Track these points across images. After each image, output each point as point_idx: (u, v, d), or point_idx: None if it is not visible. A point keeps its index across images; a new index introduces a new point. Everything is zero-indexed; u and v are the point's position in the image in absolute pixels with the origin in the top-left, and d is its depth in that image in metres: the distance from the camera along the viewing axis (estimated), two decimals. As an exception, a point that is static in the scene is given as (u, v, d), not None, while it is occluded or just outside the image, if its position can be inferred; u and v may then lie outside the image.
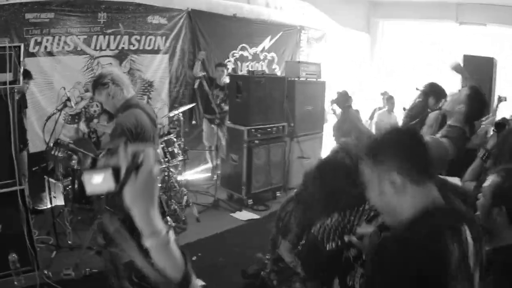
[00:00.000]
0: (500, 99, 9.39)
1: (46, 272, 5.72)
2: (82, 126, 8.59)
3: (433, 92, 7.80)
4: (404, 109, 9.32)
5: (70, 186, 7.14)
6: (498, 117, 8.34)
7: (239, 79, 9.42)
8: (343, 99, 11.01)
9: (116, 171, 1.54)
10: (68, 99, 6.46)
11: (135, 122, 4.72)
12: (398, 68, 15.38)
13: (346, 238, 2.89)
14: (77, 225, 7.04)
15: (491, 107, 8.97)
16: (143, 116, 4.89)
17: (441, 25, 14.84)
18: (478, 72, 9.30)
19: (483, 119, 7.71)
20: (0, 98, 5.35)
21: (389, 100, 11.69)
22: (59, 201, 7.31)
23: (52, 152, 6.33)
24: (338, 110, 11.35)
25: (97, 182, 1.82)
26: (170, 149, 8.01)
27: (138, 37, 9.36)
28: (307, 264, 3.33)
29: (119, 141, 4.49)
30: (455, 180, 3.90)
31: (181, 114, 8.78)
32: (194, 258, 6.70)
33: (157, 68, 9.84)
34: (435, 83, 7.97)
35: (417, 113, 7.70)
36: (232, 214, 8.88)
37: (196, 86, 10.26)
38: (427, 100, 7.77)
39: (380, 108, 12.52)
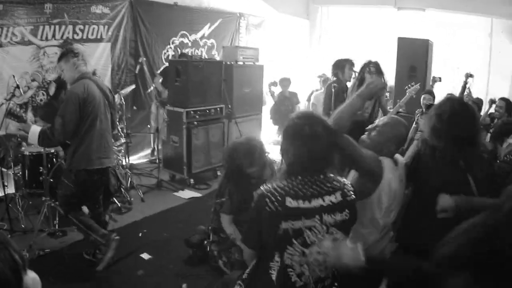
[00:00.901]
0: (435, 80, 9.97)
1: None
2: (30, 115, 8.77)
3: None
4: None
5: (20, 173, 7.30)
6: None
7: (178, 64, 9.74)
8: (284, 83, 11.76)
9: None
10: (17, 87, 6.70)
11: (83, 89, 5.37)
12: (337, 53, 15.81)
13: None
14: (28, 210, 7.29)
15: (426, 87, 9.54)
16: (92, 85, 5.55)
17: (380, 11, 15.22)
18: (413, 54, 9.80)
19: (408, 86, 8.45)
20: None
21: (325, 82, 11.85)
22: (10, 189, 7.48)
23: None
24: (276, 92, 12.01)
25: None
26: (113, 132, 7.91)
27: (82, 27, 9.52)
28: (247, 233, 3.31)
29: (67, 105, 5.26)
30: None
31: (122, 99, 8.99)
32: (140, 234, 7.11)
33: (100, 56, 10.04)
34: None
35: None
36: (175, 193, 9.24)
37: (137, 71, 10.61)
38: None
39: (317, 90, 13.08)
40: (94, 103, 5.51)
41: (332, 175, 3.09)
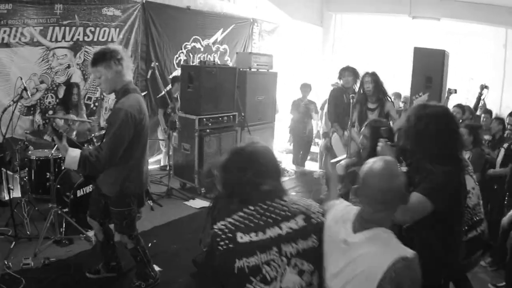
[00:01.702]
0: (450, 92, 9.83)
1: (6, 262, 5.75)
2: (38, 117, 8.67)
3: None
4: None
5: (27, 177, 7.19)
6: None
7: (191, 70, 9.59)
8: (305, 89, 11.65)
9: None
10: (25, 89, 6.51)
11: (139, 108, 4.61)
12: (351, 61, 15.68)
13: None
14: (34, 216, 7.10)
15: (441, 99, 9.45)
16: (142, 102, 4.81)
17: (395, 19, 15.16)
18: (429, 64, 9.64)
19: (416, 96, 8.35)
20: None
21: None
22: (16, 193, 7.36)
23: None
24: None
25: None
26: None
27: (93, 29, 9.43)
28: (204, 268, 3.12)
29: (123, 127, 4.44)
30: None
31: None
32: (149, 245, 6.83)
33: None
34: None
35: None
36: (185, 203, 9.08)
37: (148, 76, 10.44)
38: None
39: None
40: (147, 124, 4.86)
41: (290, 197, 2.76)
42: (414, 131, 3.60)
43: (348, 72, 9.06)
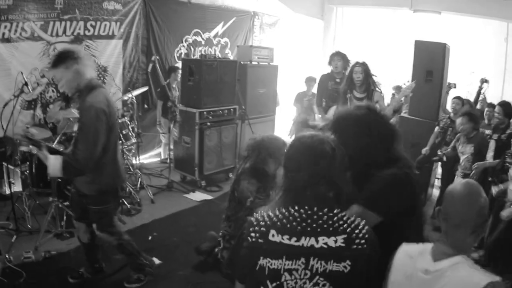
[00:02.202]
0: (450, 86, 9.83)
1: (7, 256, 5.75)
2: (38, 112, 8.66)
3: None
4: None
5: (27, 171, 7.19)
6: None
7: (192, 63, 9.63)
8: (310, 83, 11.73)
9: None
10: (26, 84, 6.51)
11: (106, 102, 4.56)
12: (352, 54, 15.67)
13: None
14: (35, 209, 7.14)
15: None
16: (108, 95, 4.80)
17: (396, 13, 15.06)
18: (430, 58, 9.61)
19: (404, 83, 8.41)
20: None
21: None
22: (17, 187, 7.37)
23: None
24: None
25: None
26: (124, 132, 8.12)
27: (94, 23, 9.45)
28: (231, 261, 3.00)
29: (97, 124, 4.39)
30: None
31: (134, 98, 8.95)
32: (149, 238, 6.95)
33: (111, 54, 9.97)
34: None
35: None
36: (185, 195, 9.11)
37: (149, 69, 10.33)
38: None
39: None
40: (116, 117, 4.81)
41: (343, 213, 2.47)
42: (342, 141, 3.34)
43: (338, 57, 9.07)
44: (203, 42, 12.25)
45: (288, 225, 2.39)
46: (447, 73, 9.79)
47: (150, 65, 10.09)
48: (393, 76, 13.76)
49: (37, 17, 8.54)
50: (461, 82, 12.03)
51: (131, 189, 8.30)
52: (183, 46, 11.69)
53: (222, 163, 9.99)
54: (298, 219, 2.39)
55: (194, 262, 6.12)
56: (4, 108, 6.47)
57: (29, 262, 5.83)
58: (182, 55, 11.47)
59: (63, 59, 4.50)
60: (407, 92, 8.14)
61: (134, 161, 9.18)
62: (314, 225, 2.38)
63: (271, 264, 2.38)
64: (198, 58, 10.34)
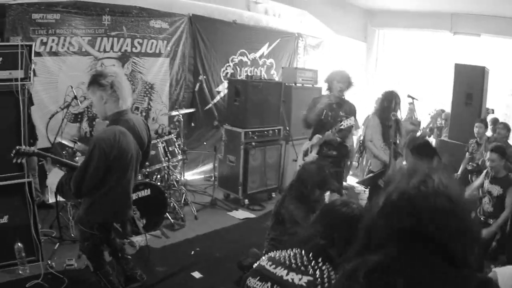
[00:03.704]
0: (488, 112, 9.59)
1: (49, 262, 5.84)
2: (85, 125, 8.69)
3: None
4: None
5: None
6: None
7: (238, 83, 9.57)
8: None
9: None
10: (75, 97, 6.50)
11: (113, 143, 4.26)
12: (393, 76, 15.53)
13: None
14: None
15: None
16: (126, 137, 4.42)
17: (436, 35, 14.98)
18: (469, 81, 9.42)
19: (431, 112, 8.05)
20: (11, 94, 5.41)
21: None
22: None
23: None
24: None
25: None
26: (170, 148, 8.13)
27: (141, 40, 9.43)
28: None
29: (90, 160, 4.16)
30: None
31: (181, 116, 8.86)
32: (192, 252, 6.91)
33: (158, 71, 9.93)
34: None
35: None
36: (229, 213, 9.02)
37: (196, 88, 10.34)
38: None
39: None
40: (126, 160, 4.48)
41: (326, 265, 2.66)
42: None
43: (339, 77, 7.76)
44: (249, 63, 12.11)
45: (280, 258, 2.75)
46: (486, 96, 9.61)
47: (198, 85, 10.09)
48: (434, 98, 13.65)
49: (85, 33, 8.56)
50: (500, 105, 11.82)
51: (175, 204, 8.30)
52: (229, 66, 11.57)
53: (265, 182, 9.82)
54: (288, 256, 2.74)
55: (236, 278, 6.00)
56: (50, 119, 6.43)
57: (71, 270, 5.90)
58: (228, 75, 11.35)
59: (91, 81, 4.42)
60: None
61: (179, 177, 9.12)
62: (293, 262, 2.68)
63: (249, 282, 2.76)
64: (244, 78, 10.27)
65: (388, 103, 7.82)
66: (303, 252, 2.69)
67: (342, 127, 7.16)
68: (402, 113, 8.60)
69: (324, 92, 8.25)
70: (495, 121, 9.83)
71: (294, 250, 2.72)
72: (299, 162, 8.15)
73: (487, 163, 6.76)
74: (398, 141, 7.91)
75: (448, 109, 11.18)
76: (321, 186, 5.15)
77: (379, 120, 7.93)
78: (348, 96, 7.78)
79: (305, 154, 7.93)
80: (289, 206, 5.23)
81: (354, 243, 2.20)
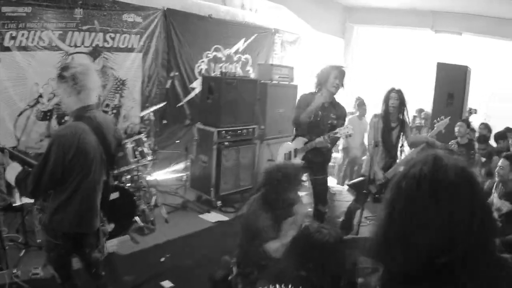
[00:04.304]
0: (471, 112, 9.67)
1: (15, 271, 5.63)
2: (54, 123, 8.48)
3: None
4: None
5: None
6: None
7: (211, 80, 9.51)
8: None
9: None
10: (40, 96, 6.46)
11: (72, 140, 4.02)
12: (371, 74, 15.60)
13: None
14: None
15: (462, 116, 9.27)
16: (88, 136, 4.17)
17: (417, 33, 15.20)
18: (451, 81, 9.49)
19: (436, 120, 8.01)
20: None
21: (361, 105, 11.75)
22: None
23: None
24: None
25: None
26: (140, 148, 7.91)
27: (113, 35, 9.36)
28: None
29: (46, 157, 3.95)
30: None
31: (151, 114, 8.80)
32: (162, 259, 6.80)
33: (130, 67, 9.84)
34: None
35: None
36: (200, 216, 8.91)
37: (168, 86, 10.24)
38: None
39: (351, 113, 12.42)
40: (87, 161, 4.23)
41: None
42: None
43: (336, 72, 7.26)
44: (223, 59, 12.09)
45: None
46: (468, 96, 9.70)
47: (169, 82, 10.00)
48: (413, 97, 13.72)
49: (56, 27, 8.42)
50: (480, 104, 11.94)
51: (145, 207, 8.10)
52: (204, 62, 11.54)
53: (238, 183, 9.75)
54: None
55: (208, 286, 5.83)
56: (19, 117, 6.50)
57: (37, 279, 5.70)
58: (203, 71, 11.37)
59: (57, 75, 4.18)
60: (441, 128, 7.77)
61: (149, 178, 8.92)
62: None
63: None
64: (218, 75, 10.25)
65: (383, 103, 7.69)
66: (282, 286, 2.59)
67: (337, 135, 6.93)
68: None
69: (303, 88, 8.14)
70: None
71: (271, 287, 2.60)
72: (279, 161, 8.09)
73: (496, 171, 6.71)
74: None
75: (427, 108, 11.26)
76: (288, 188, 4.96)
77: (381, 122, 7.62)
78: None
79: (288, 157, 7.78)
80: (252, 215, 5.11)
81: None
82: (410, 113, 12.37)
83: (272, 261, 4.70)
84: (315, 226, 3.01)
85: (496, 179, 6.71)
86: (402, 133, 7.66)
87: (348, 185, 9.77)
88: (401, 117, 7.62)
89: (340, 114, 7.33)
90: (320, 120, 7.13)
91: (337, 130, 6.91)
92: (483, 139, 8.68)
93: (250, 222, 5.04)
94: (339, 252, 2.84)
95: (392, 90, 7.56)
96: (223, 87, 9.19)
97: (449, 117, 8.01)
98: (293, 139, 7.59)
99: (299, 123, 7.23)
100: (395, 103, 7.47)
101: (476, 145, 8.66)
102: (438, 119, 7.98)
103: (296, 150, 7.50)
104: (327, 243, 2.80)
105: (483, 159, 8.44)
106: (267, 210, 4.98)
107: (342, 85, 7.25)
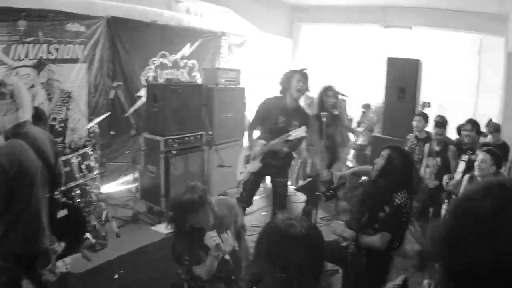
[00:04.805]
0: (424, 105, 9.88)
1: None
2: (1, 140, 8.36)
3: None
4: None
5: None
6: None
7: (156, 88, 9.58)
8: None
9: None
10: None
11: (13, 158, 4.01)
12: (321, 72, 15.73)
13: None
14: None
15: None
16: (28, 153, 4.16)
17: (367, 29, 15.44)
18: (402, 75, 9.67)
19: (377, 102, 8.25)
20: None
21: (311, 105, 11.87)
22: None
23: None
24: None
25: None
26: (86, 163, 7.82)
27: (57, 46, 9.29)
28: None
29: None
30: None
31: (96, 126, 8.74)
32: (115, 276, 6.78)
33: (75, 78, 9.76)
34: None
35: None
36: (152, 228, 8.88)
37: (111, 96, 10.07)
38: None
39: None
40: (31, 178, 4.22)
41: None
42: None
43: (298, 75, 7.40)
44: (170, 65, 12.11)
45: None
46: (420, 90, 9.88)
47: (112, 92, 9.88)
48: (365, 94, 13.94)
49: None
50: (434, 96, 12.20)
51: (95, 222, 8.04)
52: (150, 69, 11.55)
53: None
54: None
55: None
56: None
57: None
58: (150, 79, 11.40)
59: None
60: (379, 113, 8.04)
61: (98, 192, 8.82)
62: None
63: None
64: (163, 83, 10.37)
65: (319, 99, 8.13)
66: None
67: (290, 137, 6.99)
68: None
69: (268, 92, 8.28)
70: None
71: None
72: (239, 169, 8.12)
73: (476, 164, 6.76)
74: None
75: (378, 103, 11.47)
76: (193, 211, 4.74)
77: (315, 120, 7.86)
78: (276, 92, 7.56)
79: (247, 161, 7.89)
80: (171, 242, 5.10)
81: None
82: (358, 109, 12.71)
83: (236, 271, 4.80)
84: (283, 218, 2.67)
85: (476, 173, 6.78)
86: (339, 129, 7.98)
87: (295, 189, 9.95)
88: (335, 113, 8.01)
89: (303, 119, 7.39)
90: (284, 127, 7.22)
91: (290, 132, 6.99)
92: (441, 124, 8.82)
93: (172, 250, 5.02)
94: (317, 242, 2.59)
95: (329, 88, 8.03)
96: (168, 94, 9.20)
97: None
98: (251, 144, 7.75)
99: (259, 127, 7.60)
100: (332, 101, 7.77)
101: (434, 130, 8.80)
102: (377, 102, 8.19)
103: (254, 154, 7.62)
104: (303, 236, 2.52)
105: (437, 148, 8.60)
106: (183, 238, 4.91)
107: (307, 88, 7.39)
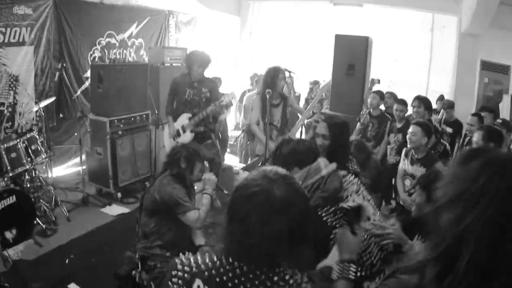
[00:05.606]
0: (373, 82, 10.21)
1: None
2: None
3: None
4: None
5: None
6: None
7: (100, 69, 9.63)
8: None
9: None
10: None
11: None
12: (270, 50, 16.00)
13: None
14: None
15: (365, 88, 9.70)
16: None
17: (315, 6, 15.48)
18: (351, 52, 9.86)
19: (324, 80, 8.60)
20: None
21: (258, 82, 11.79)
22: None
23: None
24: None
25: None
26: (33, 147, 7.94)
27: (4, 29, 9.22)
28: None
29: None
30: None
31: (42, 110, 8.76)
32: (67, 261, 6.87)
33: (22, 61, 9.71)
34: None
35: None
36: (102, 210, 9.08)
37: (56, 78, 10.30)
38: None
39: (249, 91, 12.94)
40: None
41: (285, 272, 2.14)
42: None
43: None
44: (117, 44, 12.18)
45: (217, 279, 2.10)
46: (370, 67, 10.06)
47: (57, 74, 10.17)
48: (314, 71, 14.09)
49: None
50: (384, 72, 12.49)
51: (45, 207, 8.16)
52: (97, 49, 11.58)
53: (137, 172, 10.04)
54: (230, 274, 2.10)
55: (113, 286, 5.82)
56: None
57: None
58: (96, 59, 11.42)
59: None
60: (324, 91, 8.39)
61: (46, 176, 9.05)
62: (248, 285, 2.07)
63: None
64: (107, 63, 10.50)
65: (271, 79, 8.07)
66: (252, 266, 2.10)
67: (223, 102, 7.71)
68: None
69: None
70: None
71: (225, 261, 2.14)
72: (167, 146, 8.54)
73: (408, 137, 7.14)
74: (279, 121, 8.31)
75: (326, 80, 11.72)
76: (192, 159, 5.45)
77: (260, 99, 8.13)
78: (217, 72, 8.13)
79: (178, 134, 8.26)
80: (167, 187, 5.27)
81: None
82: (305, 86, 12.97)
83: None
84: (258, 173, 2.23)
85: (408, 145, 7.19)
86: (287, 108, 8.34)
87: (242, 169, 9.78)
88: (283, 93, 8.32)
89: (212, 87, 8.30)
90: (193, 98, 8.14)
91: (222, 98, 7.73)
92: (402, 101, 9.17)
93: (165, 193, 5.27)
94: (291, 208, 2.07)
95: (280, 70, 8.18)
96: (113, 74, 9.37)
97: (330, 79, 8.73)
98: (175, 119, 8.44)
99: (171, 109, 8.49)
100: (283, 82, 8.15)
101: (395, 106, 9.15)
102: (324, 80, 8.51)
103: (183, 127, 8.15)
104: (270, 197, 2.05)
105: (399, 125, 8.90)
106: (177, 183, 5.39)
107: (206, 69, 8.31)
